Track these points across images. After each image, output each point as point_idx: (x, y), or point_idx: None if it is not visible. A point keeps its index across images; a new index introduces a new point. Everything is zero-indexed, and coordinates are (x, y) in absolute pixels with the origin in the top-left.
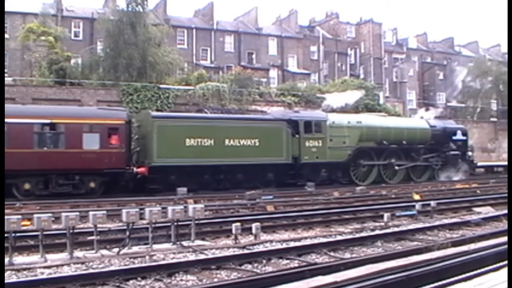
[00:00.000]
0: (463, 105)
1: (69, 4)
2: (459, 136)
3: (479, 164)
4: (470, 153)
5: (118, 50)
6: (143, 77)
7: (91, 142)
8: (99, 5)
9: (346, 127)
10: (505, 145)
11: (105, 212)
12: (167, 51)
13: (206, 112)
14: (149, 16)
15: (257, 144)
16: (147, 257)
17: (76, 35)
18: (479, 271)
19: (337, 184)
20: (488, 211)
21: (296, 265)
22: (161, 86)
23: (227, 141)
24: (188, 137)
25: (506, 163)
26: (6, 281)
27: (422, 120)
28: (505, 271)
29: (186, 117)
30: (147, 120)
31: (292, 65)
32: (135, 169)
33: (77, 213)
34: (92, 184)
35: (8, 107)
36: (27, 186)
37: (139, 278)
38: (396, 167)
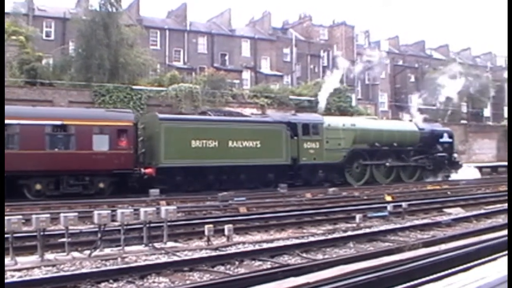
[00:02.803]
0: (434, 107)
1: (40, 3)
2: (445, 138)
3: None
4: (455, 155)
5: (90, 51)
6: (115, 78)
7: (101, 144)
8: (72, 4)
9: (341, 129)
10: (475, 146)
11: (76, 214)
12: (140, 52)
13: (209, 115)
14: (122, 17)
15: (258, 145)
16: (119, 259)
17: (47, 35)
18: (449, 271)
19: (329, 184)
20: (458, 212)
21: (269, 266)
22: (134, 87)
23: (230, 143)
24: (193, 139)
25: (505, 163)
26: None
27: (411, 123)
28: (474, 271)
29: (192, 119)
30: (154, 122)
31: (265, 67)
32: (142, 170)
33: (48, 215)
34: (101, 185)
35: (20, 108)
36: (38, 186)
37: (111, 281)
38: (387, 164)
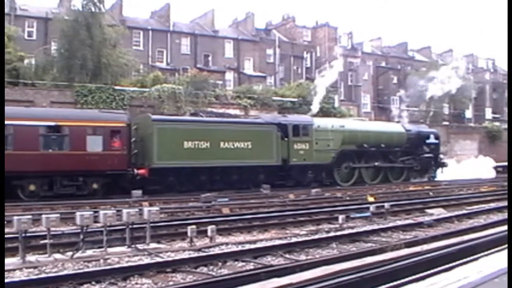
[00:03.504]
0: (416, 109)
1: (22, 2)
2: (432, 139)
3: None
4: (442, 156)
5: (73, 51)
6: (97, 78)
7: (94, 144)
8: (54, 4)
9: (330, 130)
10: (456, 148)
11: (58, 215)
12: (123, 52)
13: (201, 116)
14: (105, 17)
15: (249, 146)
16: (101, 260)
17: (29, 34)
18: (431, 271)
19: (317, 184)
20: (440, 212)
21: (252, 267)
22: (116, 87)
23: (222, 144)
24: (186, 140)
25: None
26: None
27: (398, 124)
28: (456, 271)
29: (184, 121)
30: (147, 123)
31: (248, 68)
32: (136, 171)
33: (30, 216)
34: (95, 185)
35: (14, 109)
36: (32, 187)
37: (93, 282)
38: (376, 163)
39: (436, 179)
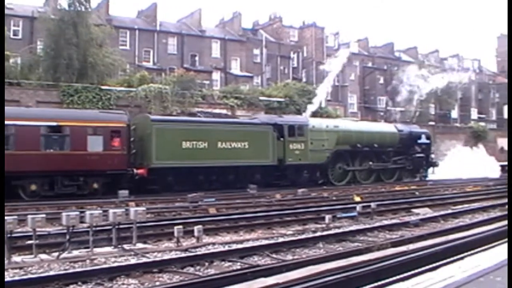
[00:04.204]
0: (402, 109)
1: (8, 1)
2: (423, 139)
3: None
4: (433, 155)
5: (59, 50)
6: (84, 78)
7: (95, 144)
8: (40, 3)
9: (325, 131)
10: (442, 147)
11: (44, 215)
12: (109, 52)
13: (199, 116)
14: (91, 16)
15: (246, 146)
16: (87, 261)
17: (15, 33)
18: (417, 270)
19: (311, 184)
20: (426, 212)
21: (239, 267)
22: (103, 87)
23: (219, 144)
24: (184, 140)
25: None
26: None
27: (391, 124)
28: (441, 270)
29: (183, 121)
30: (146, 124)
31: (235, 68)
32: (135, 171)
33: (15, 217)
34: (95, 185)
35: (16, 109)
36: (33, 187)
37: (79, 283)
38: (370, 163)
39: (430, 178)
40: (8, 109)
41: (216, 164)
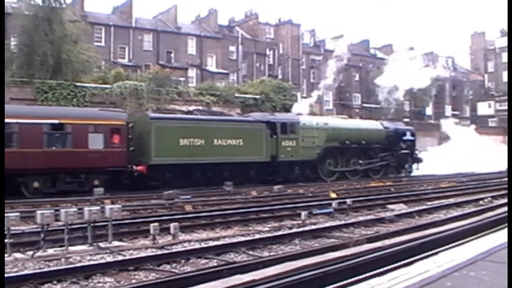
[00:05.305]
0: (377, 106)
1: None
2: (408, 136)
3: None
4: (417, 152)
5: (33, 47)
6: (58, 74)
7: (96, 142)
8: None
9: (315, 128)
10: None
11: (18, 214)
12: (84, 48)
13: (196, 114)
14: (66, 12)
15: (241, 143)
16: (63, 259)
17: None
18: (392, 266)
19: (303, 179)
20: (401, 208)
21: (215, 264)
22: (77, 84)
23: (215, 141)
24: (182, 137)
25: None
26: None
27: (377, 122)
28: (417, 265)
29: (180, 119)
30: (144, 121)
31: (211, 65)
32: (134, 167)
33: None
34: (96, 182)
35: (19, 107)
36: (36, 184)
37: (54, 282)
38: (360, 162)
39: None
40: (12, 108)
41: (213, 161)
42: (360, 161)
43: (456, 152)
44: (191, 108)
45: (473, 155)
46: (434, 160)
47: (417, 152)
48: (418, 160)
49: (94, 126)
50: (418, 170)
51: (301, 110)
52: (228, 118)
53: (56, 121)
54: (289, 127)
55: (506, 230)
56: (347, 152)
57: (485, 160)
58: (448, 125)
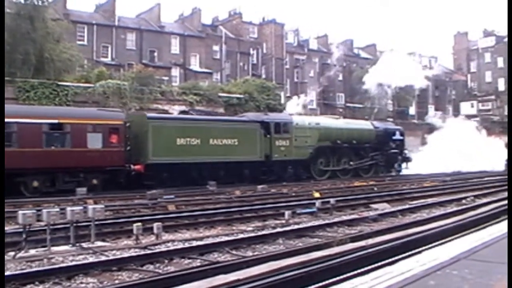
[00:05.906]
0: (361, 105)
1: None
2: (397, 136)
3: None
4: (406, 151)
5: (15, 45)
6: (40, 73)
7: (94, 141)
8: None
9: (307, 128)
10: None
11: None
12: (66, 47)
13: (192, 114)
14: (48, 10)
15: (236, 143)
16: (45, 260)
17: None
18: (376, 265)
19: (296, 178)
20: (384, 207)
21: (199, 264)
22: (60, 83)
23: (211, 141)
24: (178, 137)
25: None
26: None
27: (367, 122)
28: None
29: (177, 119)
30: (142, 121)
31: (194, 64)
32: (132, 166)
33: None
34: (94, 181)
35: (18, 107)
36: (35, 184)
37: (36, 282)
38: (351, 162)
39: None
40: (11, 108)
41: (209, 160)
42: (351, 161)
43: (449, 149)
44: (175, 107)
45: (468, 152)
46: (422, 159)
47: (406, 151)
48: (407, 159)
49: (92, 125)
50: (407, 169)
51: (296, 110)
52: (223, 118)
53: (55, 121)
54: (283, 127)
55: (487, 229)
56: (338, 152)
57: (482, 159)
58: (452, 122)
